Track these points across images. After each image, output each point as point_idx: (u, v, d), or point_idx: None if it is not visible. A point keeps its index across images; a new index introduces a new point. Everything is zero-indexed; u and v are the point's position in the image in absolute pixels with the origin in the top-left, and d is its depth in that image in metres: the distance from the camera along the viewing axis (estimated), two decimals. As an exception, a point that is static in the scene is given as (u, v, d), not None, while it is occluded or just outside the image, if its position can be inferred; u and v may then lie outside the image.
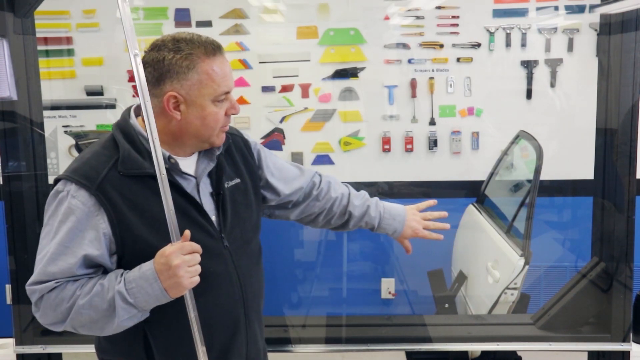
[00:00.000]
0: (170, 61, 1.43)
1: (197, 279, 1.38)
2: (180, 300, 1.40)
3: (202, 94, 1.44)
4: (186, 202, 1.48)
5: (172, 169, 1.48)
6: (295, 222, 1.89)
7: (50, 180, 2.50)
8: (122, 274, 1.40)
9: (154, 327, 1.48)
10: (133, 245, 1.43)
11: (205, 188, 1.55)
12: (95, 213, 1.40)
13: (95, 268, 1.44)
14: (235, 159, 1.64)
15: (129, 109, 1.53)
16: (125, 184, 1.42)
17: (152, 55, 1.46)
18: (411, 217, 1.89)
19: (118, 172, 1.42)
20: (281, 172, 1.78)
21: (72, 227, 1.39)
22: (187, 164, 1.53)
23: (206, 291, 1.46)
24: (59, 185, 1.43)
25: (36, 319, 1.45)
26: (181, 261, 1.34)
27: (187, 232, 1.37)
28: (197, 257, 1.38)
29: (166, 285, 1.36)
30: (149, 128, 1.34)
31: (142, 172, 1.42)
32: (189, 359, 1.47)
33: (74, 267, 1.39)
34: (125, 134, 1.47)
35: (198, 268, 1.38)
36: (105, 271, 1.45)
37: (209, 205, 1.54)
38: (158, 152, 1.35)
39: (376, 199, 1.90)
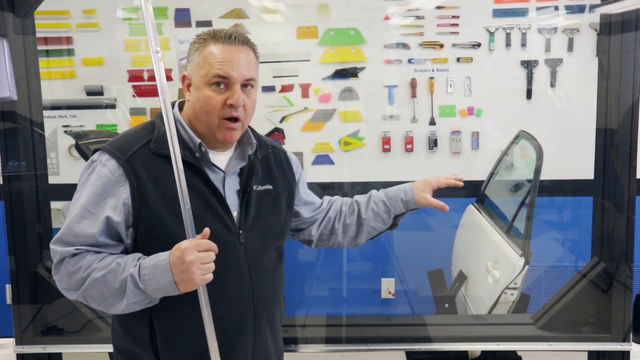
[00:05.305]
0: (190, 46, 1.55)
1: (209, 277, 1.40)
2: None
3: (199, 74, 1.50)
4: (209, 192, 1.51)
5: (202, 157, 1.53)
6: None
7: (51, 180, 2.50)
8: (139, 258, 1.43)
9: (160, 314, 1.50)
10: (148, 221, 1.46)
11: (233, 184, 1.59)
12: (120, 183, 1.46)
13: (117, 242, 1.48)
14: (271, 167, 1.68)
15: (174, 102, 1.59)
16: (154, 162, 1.48)
17: None
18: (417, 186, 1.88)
19: (150, 150, 1.49)
20: (309, 195, 1.85)
21: (97, 192, 1.46)
22: (220, 158, 1.58)
23: (213, 283, 1.46)
24: (95, 155, 1.52)
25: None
26: (195, 257, 1.36)
27: (207, 230, 1.40)
28: (212, 255, 1.40)
29: (177, 279, 1.38)
30: (167, 122, 1.39)
31: None
32: (190, 348, 1.49)
33: (97, 233, 1.45)
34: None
35: (212, 266, 1.40)
36: (125, 251, 1.50)
37: (232, 201, 1.57)
38: (176, 147, 1.39)
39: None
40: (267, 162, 1.68)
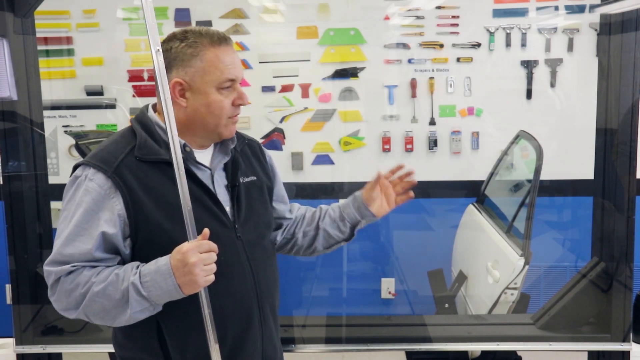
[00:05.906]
0: (177, 49, 1.49)
1: (211, 278, 1.39)
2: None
3: (205, 81, 1.48)
4: (200, 191, 1.51)
5: (187, 158, 1.52)
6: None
7: (51, 180, 2.50)
8: (138, 266, 1.42)
9: (167, 317, 1.49)
10: (146, 229, 1.45)
11: (220, 180, 1.59)
12: (111, 195, 1.43)
13: (113, 254, 1.46)
14: (250, 159, 1.69)
15: (146, 105, 1.58)
16: (142, 169, 1.46)
17: (163, 46, 1.50)
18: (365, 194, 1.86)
19: (135, 158, 1.47)
20: (284, 192, 1.84)
21: (88, 209, 1.43)
22: (203, 156, 1.58)
23: (218, 280, 1.46)
24: (78, 171, 1.47)
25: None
26: (197, 259, 1.36)
27: (207, 231, 1.39)
28: (214, 256, 1.39)
29: (180, 282, 1.37)
30: (169, 124, 1.37)
31: (158, 158, 1.46)
32: (202, 350, 1.48)
33: (93, 249, 1.42)
34: (143, 125, 1.52)
35: (213, 267, 1.39)
36: (122, 261, 1.48)
37: (223, 196, 1.57)
38: (177, 147, 1.37)
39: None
40: (246, 154, 1.69)
